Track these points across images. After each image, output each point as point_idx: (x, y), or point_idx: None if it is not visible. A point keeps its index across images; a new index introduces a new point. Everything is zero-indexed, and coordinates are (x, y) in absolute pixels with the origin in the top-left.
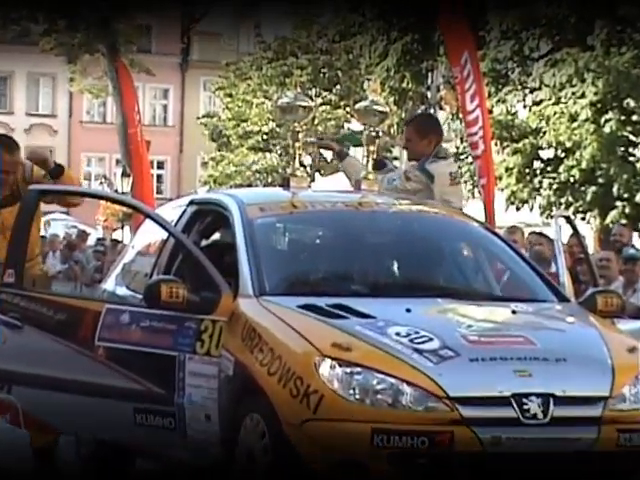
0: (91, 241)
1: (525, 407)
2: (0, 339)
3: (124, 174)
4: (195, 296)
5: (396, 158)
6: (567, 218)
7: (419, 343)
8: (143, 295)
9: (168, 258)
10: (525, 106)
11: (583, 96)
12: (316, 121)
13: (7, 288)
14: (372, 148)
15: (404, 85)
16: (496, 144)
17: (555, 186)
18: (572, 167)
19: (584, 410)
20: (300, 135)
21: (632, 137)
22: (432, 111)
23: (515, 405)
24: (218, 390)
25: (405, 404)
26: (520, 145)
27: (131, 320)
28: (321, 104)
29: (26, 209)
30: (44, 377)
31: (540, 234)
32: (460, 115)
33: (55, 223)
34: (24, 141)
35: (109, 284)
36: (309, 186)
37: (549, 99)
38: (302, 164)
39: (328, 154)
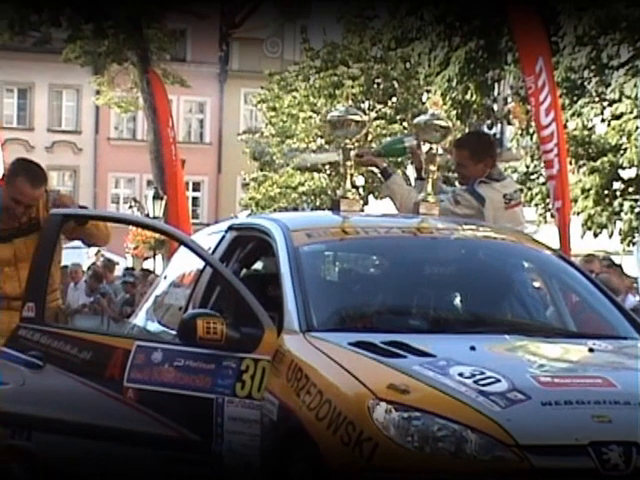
0: (119, 271)
1: (605, 457)
2: (19, 380)
3: (156, 197)
4: (235, 332)
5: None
6: None
7: (485, 385)
8: (177, 331)
9: (205, 290)
10: (603, 120)
11: None
12: (370, 137)
13: (27, 324)
14: (432, 167)
15: (468, 97)
16: (571, 162)
17: (637, 209)
18: None
19: None
20: (352, 153)
21: None
22: (499, 126)
23: (593, 455)
24: (260, 437)
25: (469, 453)
26: (598, 164)
27: (164, 359)
28: (375, 118)
29: (48, 235)
30: (67, 422)
31: (609, 260)
32: (530, 130)
33: (78, 251)
34: (46, 160)
35: (139, 319)
36: (362, 210)
37: (630, 112)
38: (354, 185)
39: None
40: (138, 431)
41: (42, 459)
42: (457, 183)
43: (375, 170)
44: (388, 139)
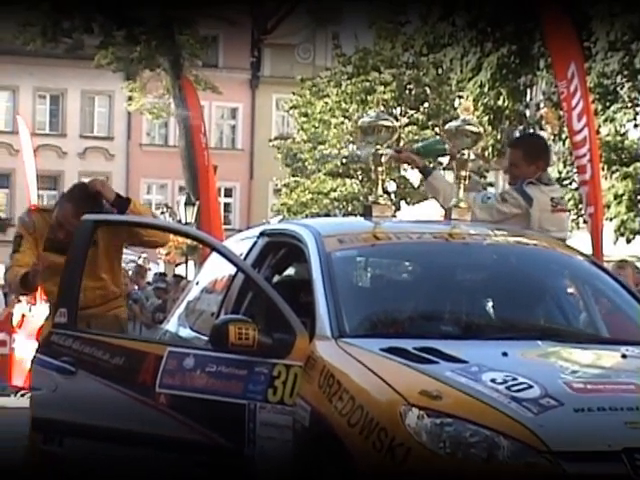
0: (150, 277)
1: (638, 463)
2: (52, 385)
3: (188, 202)
4: (267, 338)
5: (491, 184)
6: None
7: (517, 391)
8: (209, 337)
9: (237, 296)
10: (636, 125)
11: None
12: (401, 143)
13: (59, 329)
14: (463, 173)
15: (500, 103)
16: (603, 168)
17: None
18: None
19: None
20: (383, 159)
21: None
22: (531, 131)
23: (626, 461)
24: (292, 442)
25: (502, 459)
26: (631, 169)
27: (196, 365)
28: (407, 124)
29: (79, 241)
30: (98, 428)
31: (629, 263)
32: (563, 136)
33: None
34: (78, 166)
35: (171, 325)
36: (393, 215)
37: None
38: (386, 191)
39: (415, 179)
40: (170, 436)
41: (74, 465)
42: (490, 188)
43: (412, 169)
44: (427, 140)
